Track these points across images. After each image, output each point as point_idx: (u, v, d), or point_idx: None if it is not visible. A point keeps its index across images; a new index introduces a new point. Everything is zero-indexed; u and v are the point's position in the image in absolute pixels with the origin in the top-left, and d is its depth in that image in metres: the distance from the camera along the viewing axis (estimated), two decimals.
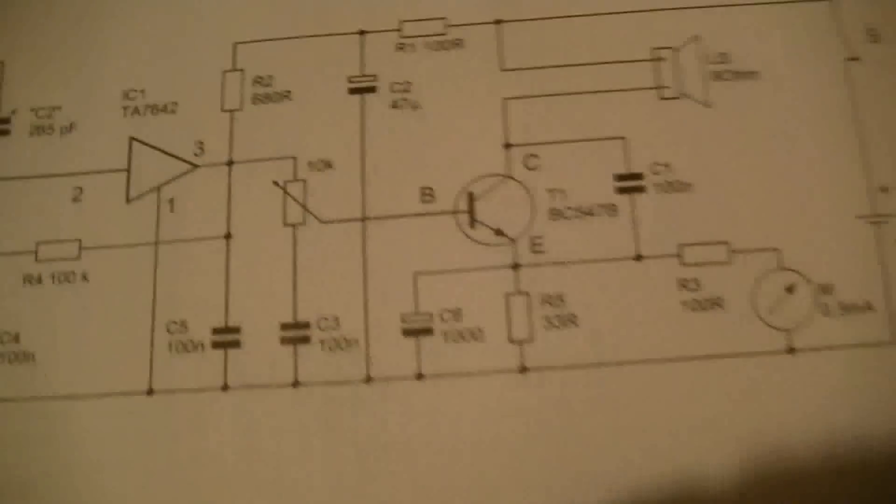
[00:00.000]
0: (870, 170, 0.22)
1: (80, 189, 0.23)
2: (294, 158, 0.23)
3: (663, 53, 0.23)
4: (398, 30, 0.24)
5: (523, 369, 0.21)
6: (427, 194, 0.22)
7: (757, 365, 0.21)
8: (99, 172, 0.23)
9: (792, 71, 0.23)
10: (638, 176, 0.22)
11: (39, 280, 0.22)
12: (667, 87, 0.23)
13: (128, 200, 0.23)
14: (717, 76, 0.23)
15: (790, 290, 0.21)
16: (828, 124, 0.22)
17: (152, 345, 0.22)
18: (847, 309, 0.21)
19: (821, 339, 0.21)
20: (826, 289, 0.21)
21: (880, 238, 0.21)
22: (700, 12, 0.23)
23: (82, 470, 0.21)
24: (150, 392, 0.21)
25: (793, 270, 0.21)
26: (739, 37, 0.23)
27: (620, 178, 0.22)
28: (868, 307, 0.21)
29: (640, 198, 0.22)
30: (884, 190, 0.22)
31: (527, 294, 0.21)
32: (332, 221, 0.22)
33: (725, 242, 0.22)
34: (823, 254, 0.21)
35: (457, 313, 0.21)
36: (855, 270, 0.21)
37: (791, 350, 0.21)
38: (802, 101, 0.23)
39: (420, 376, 0.21)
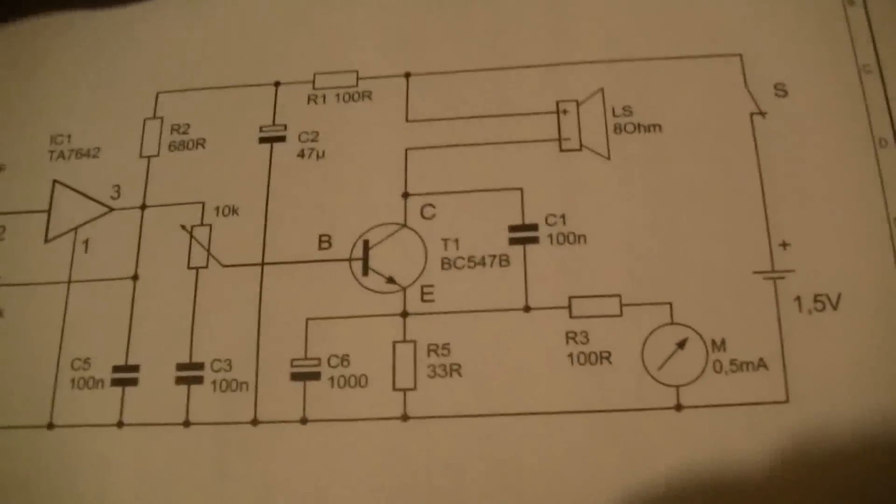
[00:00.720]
0: (772, 225, 0.22)
1: (3, 227, 0.24)
2: (202, 203, 0.23)
3: (567, 106, 0.23)
4: (311, 81, 0.24)
5: (405, 417, 0.21)
6: (325, 241, 0.23)
7: (644, 420, 0.21)
8: (22, 213, 0.24)
9: (696, 125, 0.23)
10: (532, 227, 0.22)
11: None
12: (567, 139, 0.23)
13: (46, 240, 0.24)
14: (620, 128, 0.23)
15: (681, 345, 0.21)
16: (731, 179, 0.22)
17: (56, 380, 0.23)
18: (739, 366, 0.21)
19: (711, 397, 0.21)
20: (718, 345, 0.21)
21: (778, 294, 0.21)
22: (606, 66, 0.23)
23: None
24: (50, 426, 0.22)
25: (685, 325, 0.21)
26: (645, 90, 0.23)
27: (514, 228, 0.22)
28: (761, 364, 0.21)
29: (533, 249, 0.22)
30: (784, 245, 0.21)
31: (413, 342, 0.22)
32: (233, 265, 0.23)
33: (617, 295, 0.21)
34: (718, 309, 0.21)
35: (344, 359, 0.22)
36: (749, 327, 0.21)
37: (679, 407, 0.21)
38: (706, 155, 0.22)
39: (305, 420, 0.22)
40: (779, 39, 0.23)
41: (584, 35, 0.24)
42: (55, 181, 0.24)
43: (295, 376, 0.22)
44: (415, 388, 0.21)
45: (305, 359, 0.22)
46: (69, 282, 0.23)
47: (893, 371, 0.20)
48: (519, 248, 0.22)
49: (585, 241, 0.22)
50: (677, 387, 0.21)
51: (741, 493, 0.20)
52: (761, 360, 0.21)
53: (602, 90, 0.23)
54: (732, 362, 0.21)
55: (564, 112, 0.23)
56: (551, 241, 0.22)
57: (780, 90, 0.23)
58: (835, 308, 0.21)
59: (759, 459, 0.20)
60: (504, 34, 0.24)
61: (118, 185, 0.24)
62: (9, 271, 0.24)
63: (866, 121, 0.22)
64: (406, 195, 0.23)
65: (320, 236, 0.23)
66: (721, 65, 0.23)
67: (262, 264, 0.23)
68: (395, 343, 0.22)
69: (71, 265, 0.23)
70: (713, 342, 0.21)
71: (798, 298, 0.21)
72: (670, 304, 0.21)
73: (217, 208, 0.23)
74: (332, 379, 0.22)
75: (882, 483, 0.20)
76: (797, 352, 0.21)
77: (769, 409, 0.20)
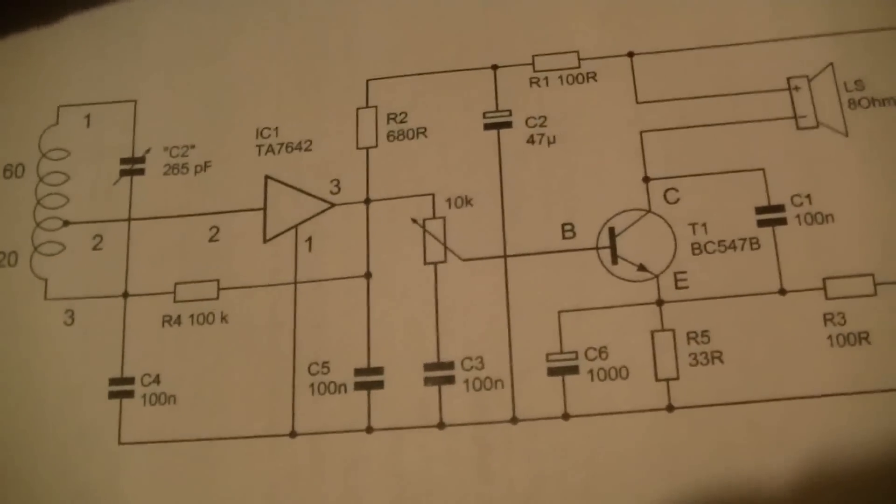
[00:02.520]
0: None
1: (217, 228, 0.23)
2: (432, 195, 0.22)
3: (798, 82, 0.23)
4: (531, 64, 0.23)
5: (671, 408, 0.21)
6: (568, 230, 0.22)
7: None
8: (235, 212, 0.23)
9: None
10: (779, 208, 0.22)
11: (179, 321, 0.22)
12: (803, 117, 0.22)
13: (265, 240, 0.23)
14: (855, 104, 0.22)
15: None
16: None
17: (294, 386, 0.21)
18: None
19: None
20: None
21: None
22: (832, 39, 0.23)
23: None
24: (293, 434, 0.21)
25: None
26: (875, 63, 0.23)
27: (761, 210, 0.22)
28: None
29: (781, 230, 0.22)
30: None
31: (672, 330, 0.21)
32: (473, 259, 0.22)
33: (871, 274, 0.21)
34: None
35: (602, 351, 0.21)
36: None
37: None
38: None
39: (567, 416, 0.21)
40: None
41: (807, 8, 0.23)
42: (267, 177, 0.23)
43: (552, 371, 0.21)
44: (677, 378, 0.21)
45: (561, 352, 0.21)
46: (295, 282, 0.22)
47: None
48: (768, 230, 0.22)
49: (833, 220, 0.22)
50: None
51: None
52: None
53: (832, 64, 0.23)
54: None
55: (796, 89, 0.23)
56: (799, 222, 0.22)
57: None
58: None
59: None
60: (725, 9, 0.24)
61: (337, 179, 0.23)
62: (228, 274, 0.22)
63: None
64: (647, 179, 0.22)
65: (563, 225, 0.22)
66: None
67: (505, 256, 0.22)
68: (653, 332, 0.21)
69: (296, 265, 0.22)
70: None
71: None
72: None
73: (448, 200, 0.22)
74: (591, 372, 0.21)
75: None
76: None
77: None
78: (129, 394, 0.22)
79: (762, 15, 0.23)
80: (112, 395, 0.22)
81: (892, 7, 0.23)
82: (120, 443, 0.22)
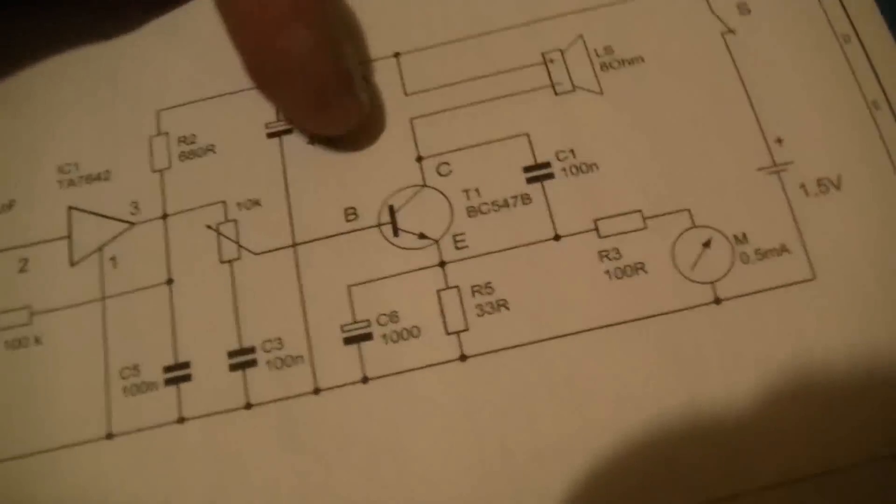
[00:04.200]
0: (763, 125, 0.23)
1: (25, 260, 0.24)
2: (223, 202, 0.24)
3: (553, 55, 0.25)
4: None
5: (464, 357, 0.22)
6: (350, 213, 0.24)
7: (689, 319, 0.22)
8: (42, 242, 0.24)
9: (675, 51, 0.25)
10: (546, 165, 0.24)
11: None
12: (559, 84, 0.24)
13: (72, 264, 0.24)
14: (607, 66, 0.25)
15: (707, 244, 0.22)
16: (717, 92, 0.24)
17: (108, 392, 0.22)
18: (764, 254, 0.22)
19: (745, 286, 0.22)
20: (741, 238, 0.22)
21: (784, 184, 0.23)
22: (579, 16, 0.25)
23: None
24: (109, 436, 0.22)
25: (706, 227, 0.22)
26: (620, 31, 0.25)
27: (529, 168, 0.24)
28: (784, 250, 0.22)
29: (550, 183, 0.23)
30: (779, 141, 0.23)
31: (457, 287, 0.22)
32: (265, 252, 0.23)
33: (638, 210, 0.23)
34: (733, 207, 0.23)
35: (393, 315, 0.22)
36: (765, 218, 0.22)
37: (718, 300, 0.22)
38: (690, 76, 0.24)
39: (365, 379, 0.22)
40: None
41: None
42: (70, 207, 0.24)
43: (348, 340, 0.22)
44: (467, 329, 0.22)
45: (354, 322, 0.22)
46: (103, 298, 0.23)
47: (892, 230, 0.22)
48: (537, 185, 0.23)
49: (598, 168, 0.23)
50: (712, 283, 0.22)
51: (785, 370, 0.21)
52: (783, 245, 0.22)
53: (581, 36, 0.25)
54: (757, 252, 0.22)
55: (551, 61, 0.25)
56: (566, 174, 0.23)
57: (744, 10, 0.25)
58: (838, 188, 0.22)
59: (798, 333, 0.21)
60: (478, 5, 0.26)
61: (136, 202, 0.24)
62: (39, 299, 0.24)
63: (826, 20, 0.24)
64: (420, 158, 0.24)
65: (345, 209, 0.24)
66: None
67: (294, 245, 0.23)
68: (438, 291, 0.23)
69: (102, 282, 0.24)
70: (735, 237, 0.22)
71: (803, 185, 0.23)
72: (688, 210, 0.23)
73: (239, 204, 0.24)
74: (384, 336, 0.22)
75: None
76: (813, 232, 0.22)
77: (799, 288, 0.22)
78: None
79: (511, 4, 0.26)
80: None
81: None
82: None
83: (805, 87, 0.24)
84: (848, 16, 0.24)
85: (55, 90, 0.26)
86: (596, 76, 0.24)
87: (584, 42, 0.25)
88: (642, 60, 0.25)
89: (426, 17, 0.26)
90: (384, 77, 0.25)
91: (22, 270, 0.24)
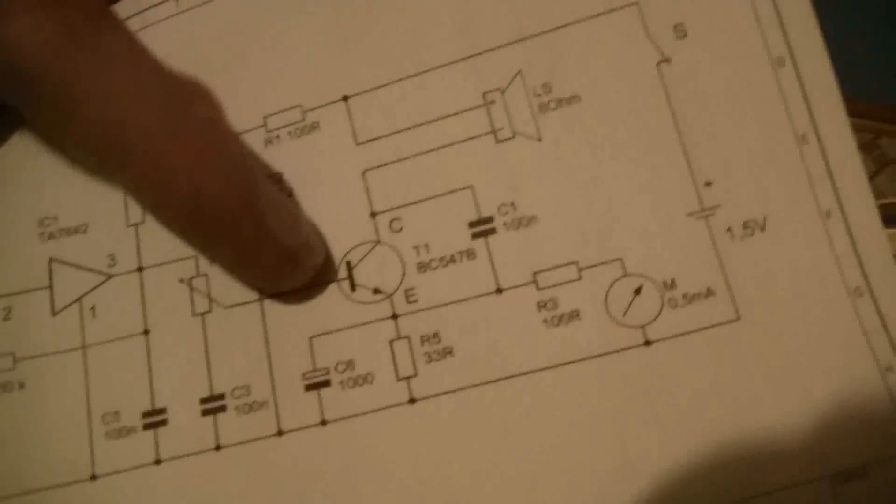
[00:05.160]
0: (693, 168, 0.24)
1: (10, 309, 0.26)
2: (196, 257, 0.26)
3: (493, 96, 0.26)
4: (263, 126, 0.27)
5: (413, 400, 0.24)
6: None
7: (620, 360, 0.24)
8: (24, 292, 0.26)
9: (609, 86, 0.25)
10: (488, 220, 0.25)
11: None
12: (501, 129, 0.25)
13: (54, 313, 0.26)
14: (545, 107, 0.25)
15: (638, 291, 0.24)
16: (649, 132, 0.24)
17: (91, 436, 0.25)
18: (691, 298, 0.23)
19: (673, 328, 0.23)
20: (669, 284, 0.24)
21: (711, 229, 0.24)
22: (518, 46, 0.26)
23: None
24: (93, 477, 0.24)
25: (638, 275, 0.24)
26: (558, 61, 0.25)
27: (473, 224, 0.25)
28: (710, 293, 0.23)
29: (493, 238, 0.25)
30: (708, 184, 0.24)
31: (407, 337, 0.25)
32: (234, 305, 0.26)
33: (574, 262, 0.24)
34: (662, 254, 0.24)
35: (350, 364, 0.25)
36: (693, 263, 0.24)
37: (648, 342, 0.23)
38: (623, 115, 0.25)
39: (324, 422, 0.24)
40: None
41: (489, 18, 0.26)
42: (51, 259, 0.26)
43: (308, 387, 0.25)
44: (416, 375, 0.24)
45: (314, 370, 0.25)
46: (84, 346, 0.25)
47: (825, 270, 0.23)
48: (481, 241, 0.25)
49: (537, 221, 0.25)
50: (642, 326, 0.24)
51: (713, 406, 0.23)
52: (709, 288, 0.23)
53: (520, 71, 0.26)
54: (685, 296, 0.24)
55: (492, 102, 0.26)
56: (507, 229, 0.25)
57: (680, 30, 0.25)
58: (763, 230, 0.24)
59: (726, 369, 0.23)
60: (415, 36, 0.26)
61: (112, 254, 0.26)
62: (23, 346, 0.26)
63: (762, 41, 0.24)
64: (374, 214, 0.26)
65: None
66: (620, 18, 0.26)
67: (262, 300, 0.25)
68: (391, 341, 0.25)
69: (83, 331, 0.26)
70: (664, 283, 0.24)
71: (730, 229, 0.24)
72: (621, 259, 0.24)
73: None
74: (341, 383, 0.24)
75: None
76: (738, 274, 0.23)
77: (725, 328, 0.23)
78: None
79: (449, 33, 0.26)
80: None
81: (565, 3, 0.26)
82: None
83: (736, 123, 0.24)
84: (785, 35, 0.24)
85: (35, 146, 0.27)
86: (534, 119, 0.25)
87: (524, 79, 0.26)
88: (579, 100, 0.25)
89: (371, 55, 0.27)
90: (336, 124, 0.26)
91: (6, 318, 0.26)
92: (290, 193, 0.26)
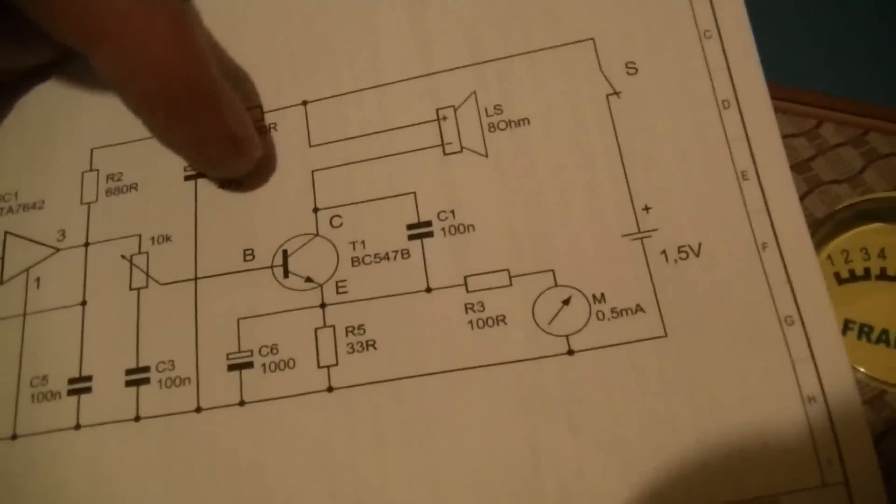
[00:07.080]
0: (633, 193, 0.25)
1: None
2: (139, 235, 0.27)
3: (446, 112, 0.27)
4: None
5: (331, 389, 0.24)
6: (248, 254, 0.26)
7: (542, 367, 0.24)
8: None
9: (559, 113, 0.26)
10: (427, 223, 0.26)
11: None
12: (450, 144, 0.26)
13: (1, 283, 0.27)
14: (494, 127, 0.26)
15: (566, 302, 0.24)
16: (594, 157, 0.25)
17: (17, 398, 0.25)
18: (619, 313, 0.24)
19: (597, 340, 0.24)
20: (599, 298, 0.24)
21: (646, 251, 0.24)
22: (473, 70, 0.27)
23: None
24: (14, 437, 0.25)
25: (568, 286, 0.24)
26: (511, 86, 0.26)
27: (411, 226, 0.26)
28: (639, 309, 0.24)
29: (429, 241, 0.26)
30: (647, 209, 0.25)
31: (332, 326, 0.25)
32: (170, 283, 0.26)
33: (506, 269, 0.25)
34: (595, 270, 0.24)
35: (273, 348, 0.25)
36: (624, 280, 0.24)
37: (571, 352, 0.24)
38: (570, 140, 0.25)
39: (242, 403, 0.25)
40: (625, 18, 0.26)
41: (449, 43, 0.27)
42: (6, 232, 0.28)
43: (231, 367, 0.25)
44: (336, 364, 0.25)
45: (239, 351, 0.25)
46: (24, 314, 0.26)
47: (757, 297, 0.23)
48: (417, 242, 0.26)
49: (474, 230, 0.25)
50: (567, 336, 0.24)
51: (630, 420, 0.23)
52: (638, 305, 0.24)
53: (474, 93, 0.27)
54: (613, 310, 0.24)
55: (444, 118, 0.27)
56: (444, 234, 0.25)
57: (631, 68, 0.26)
58: (697, 255, 0.24)
59: (639, 391, 0.23)
60: (378, 52, 0.28)
61: (63, 230, 0.27)
62: None
63: (709, 84, 0.25)
64: (316, 210, 0.27)
65: (244, 251, 0.26)
66: (575, 51, 0.27)
67: (196, 279, 0.26)
68: (316, 329, 0.25)
69: (25, 300, 0.27)
70: (594, 296, 0.24)
71: (664, 251, 0.24)
72: (553, 270, 0.24)
73: (152, 238, 0.27)
74: (263, 365, 0.25)
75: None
76: (669, 294, 0.24)
77: (650, 343, 0.23)
78: None
79: (410, 52, 0.27)
80: None
81: (522, 34, 0.27)
82: None
83: (679, 156, 0.25)
84: (732, 80, 0.25)
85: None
86: (483, 138, 0.26)
87: (476, 99, 0.27)
88: (528, 123, 0.26)
89: (333, 65, 0.28)
90: (293, 125, 0.28)
91: None
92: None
